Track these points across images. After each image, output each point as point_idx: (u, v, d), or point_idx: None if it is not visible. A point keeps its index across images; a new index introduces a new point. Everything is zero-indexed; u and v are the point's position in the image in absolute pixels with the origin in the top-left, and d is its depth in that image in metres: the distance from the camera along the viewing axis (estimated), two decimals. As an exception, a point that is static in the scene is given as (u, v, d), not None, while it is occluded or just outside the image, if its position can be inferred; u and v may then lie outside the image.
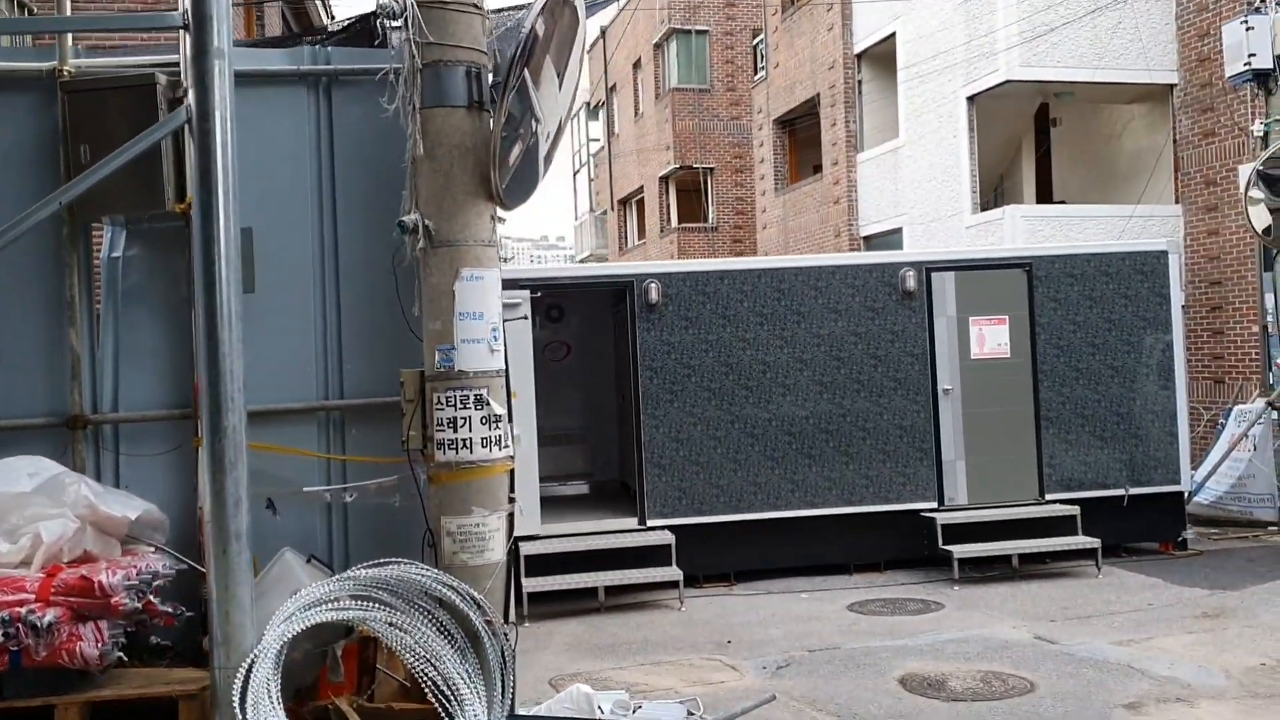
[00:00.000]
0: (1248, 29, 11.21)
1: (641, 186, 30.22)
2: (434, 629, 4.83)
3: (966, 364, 10.05)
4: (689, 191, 28.22)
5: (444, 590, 4.94)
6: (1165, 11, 15.12)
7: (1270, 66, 11.09)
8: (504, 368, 5.34)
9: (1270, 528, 11.16)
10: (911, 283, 9.91)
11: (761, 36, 24.78)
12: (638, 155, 30.12)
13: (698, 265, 10.17)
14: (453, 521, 5.15)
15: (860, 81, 19.78)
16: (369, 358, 5.83)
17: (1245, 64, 11.20)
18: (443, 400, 5.17)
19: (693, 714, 5.62)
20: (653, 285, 9.59)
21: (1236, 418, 11.84)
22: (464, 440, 5.14)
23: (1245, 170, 11.57)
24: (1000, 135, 17.11)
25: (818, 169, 21.67)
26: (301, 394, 5.81)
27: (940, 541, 9.55)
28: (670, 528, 9.40)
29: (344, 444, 5.81)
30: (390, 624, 4.73)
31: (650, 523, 9.52)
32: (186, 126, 4.58)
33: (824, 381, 9.85)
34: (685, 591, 9.04)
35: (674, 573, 9.01)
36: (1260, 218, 10.97)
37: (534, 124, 5.45)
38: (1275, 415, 11.19)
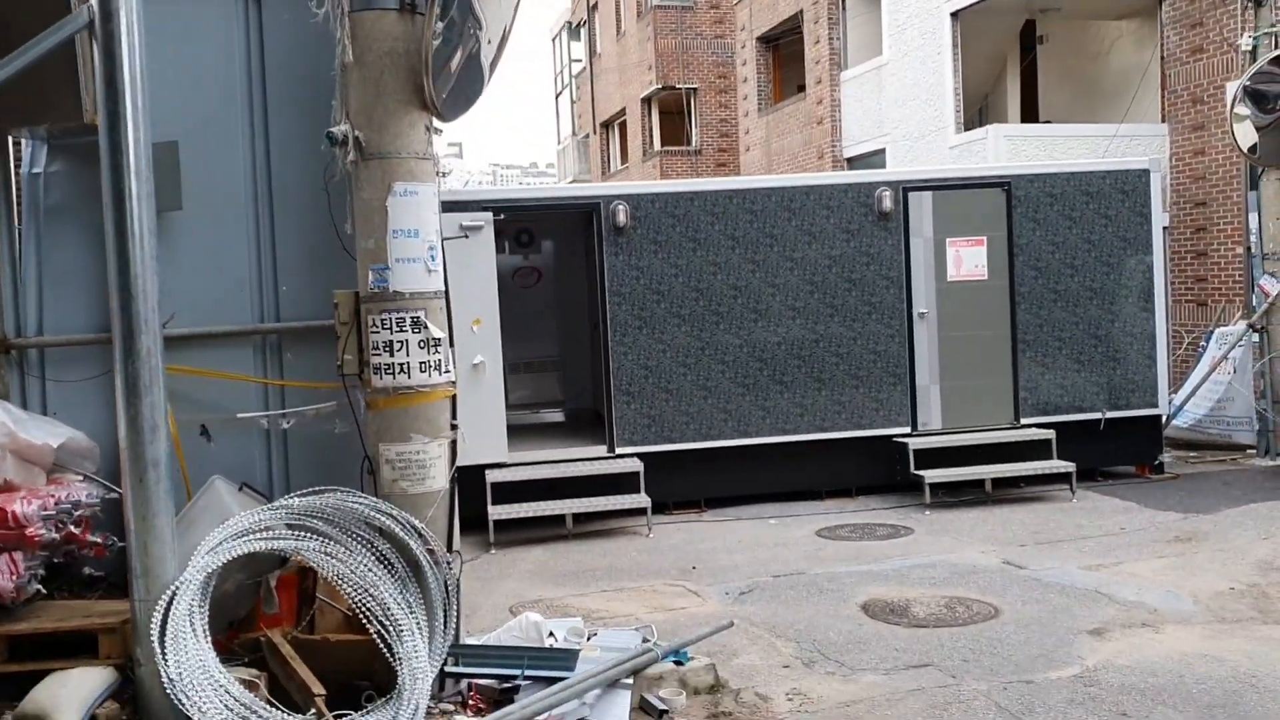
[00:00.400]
0: (1239, -63, 10.81)
1: (624, 108, 29.58)
2: (372, 558, 4.67)
3: (943, 286, 9.83)
4: (672, 113, 27.63)
5: (382, 519, 4.77)
6: (1156, -79, 14.63)
7: (1261, -24, 10.69)
8: (444, 289, 5.09)
9: (1249, 450, 11.07)
10: (888, 203, 9.64)
11: (745, -50, 24.06)
12: (620, 75, 29.43)
13: (666, 186, 9.84)
14: (391, 449, 4.95)
15: (844, -4, 19.25)
16: (307, 278, 5.57)
17: (1235, -27, 10.80)
18: (378, 323, 4.93)
19: (648, 641, 5.48)
20: (620, 207, 9.31)
21: (1217, 340, 11.68)
22: (401, 365, 4.91)
23: (1233, 87, 11.22)
24: (985, 52, 16.67)
25: (801, 88, 21.18)
26: (236, 316, 5.57)
27: (912, 466, 9.43)
28: (639, 455, 9.25)
29: (281, 368, 5.59)
30: (326, 553, 4.56)
31: (619, 450, 9.37)
32: (90, 29, 4.27)
33: (796, 306, 9.63)
34: (654, 519, 8.92)
35: (642, 500, 8.88)
36: (1246, 135, 10.65)
37: (475, 29, 5.14)
38: (1256, 338, 11.02)
